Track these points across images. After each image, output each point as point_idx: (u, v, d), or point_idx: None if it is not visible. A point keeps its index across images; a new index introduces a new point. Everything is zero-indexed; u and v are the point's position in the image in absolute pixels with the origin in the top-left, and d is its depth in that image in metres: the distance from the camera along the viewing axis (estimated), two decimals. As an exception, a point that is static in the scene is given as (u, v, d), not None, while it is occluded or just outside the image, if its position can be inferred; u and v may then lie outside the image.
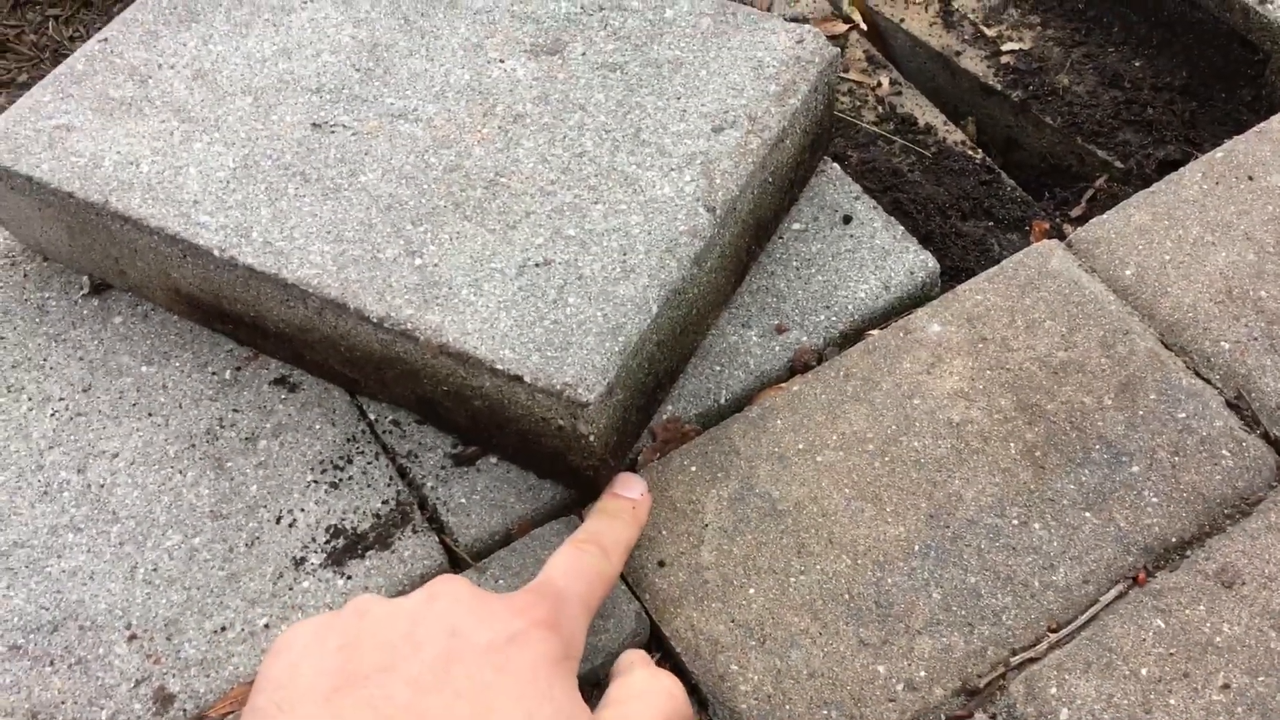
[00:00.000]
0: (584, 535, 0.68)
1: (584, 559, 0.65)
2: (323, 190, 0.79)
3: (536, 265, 0.74)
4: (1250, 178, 0.90)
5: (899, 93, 1.13)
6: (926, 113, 1.11)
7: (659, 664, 0.73)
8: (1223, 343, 0.81)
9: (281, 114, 0.84)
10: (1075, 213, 1.03)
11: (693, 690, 0.71)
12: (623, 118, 0.82)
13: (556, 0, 0.89)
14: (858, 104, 1.12)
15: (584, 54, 0.85)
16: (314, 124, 0.83)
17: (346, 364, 0.79)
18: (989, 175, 1.05)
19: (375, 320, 0.73)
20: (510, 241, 0.75)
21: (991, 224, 1.01)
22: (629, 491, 0.73)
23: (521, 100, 0.83)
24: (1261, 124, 0.94)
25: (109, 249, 0.84)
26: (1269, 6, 1.00)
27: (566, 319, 0.71)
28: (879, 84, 1.13)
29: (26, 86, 1.40)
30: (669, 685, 0.58)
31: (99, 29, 1.42)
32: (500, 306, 0.72)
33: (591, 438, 0.71)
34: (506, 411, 0.73)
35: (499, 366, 0.70)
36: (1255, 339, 0.81)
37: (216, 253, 0.76)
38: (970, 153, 1.06)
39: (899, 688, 0.69)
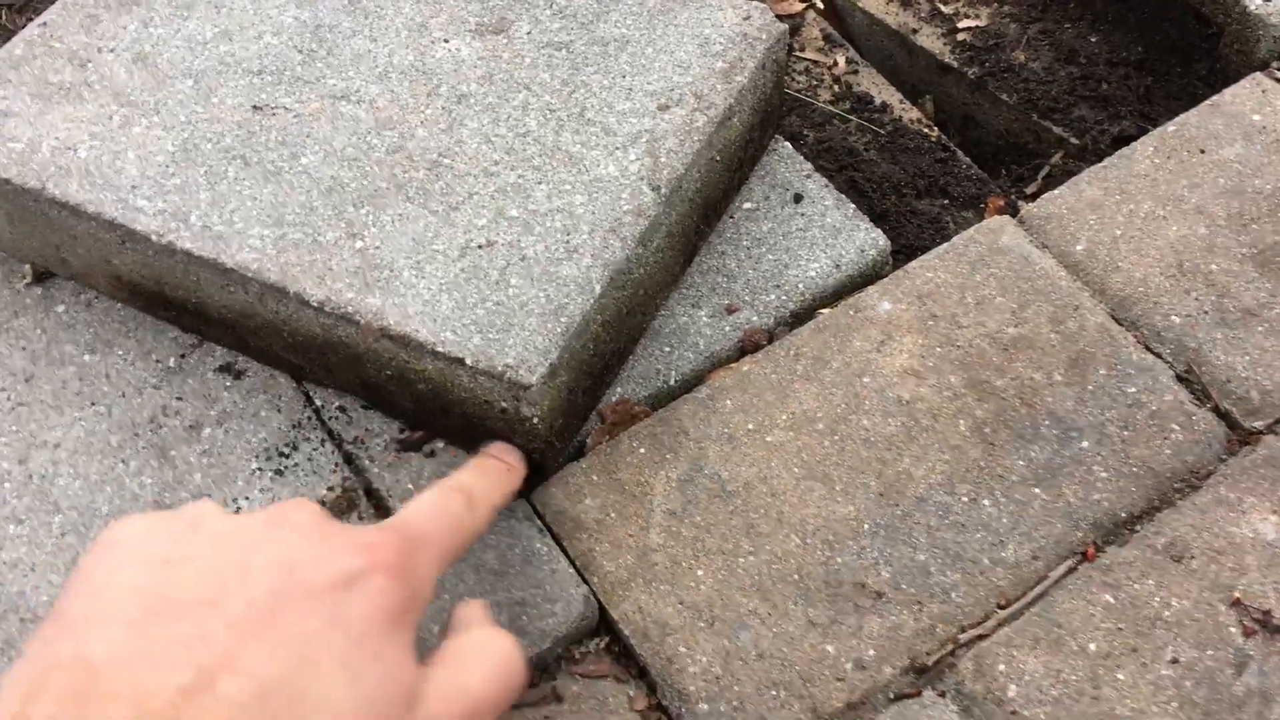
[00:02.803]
0: (454, 483, 0.63)
1: (450, 504, 0.60)
2: (263, 173, 0.78)
3: (479, 247, 0.73)
4: (1202, 151, 0.90)
5: (855, 71, 1.12)
6: (883, 91, 1.10)
7: (607, 648, 0.72)
8: (1173, 317, 0.81)
9: (222, 96, 0.82)
10: (1031, 189, 1.03)
11: (641, 673, 0.71)
12: (568, 97, 0.81)
13: (502, -21, 0.88)
14: (814, 83, 1.11)
15: (529, 33, 0.84)
16: (255, 106, 0.82)
17: (290, 349, 0.78)
18: (944, 153, 1.04)
19: (315, 304, 0.72)
20: (452, 223, 0.74)
21: (947, 202, 1.01)
22: (506, 456, 0.70)
23: (466, 80, 0.82)
24: (1214, 97, 0.94)
25: (49, 236, 0.83)
26: (1222, -20, 0.99)
27: (509, 300, 0.71)
28: (835, 63, 1.13)
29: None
30: (508, 646, 0.55)
31: (50, 16, 1.40)
32: (442, 289, 0.71)
33: (535, 420, 0.70)
34: (450, 395, 0.72)
35: (440, 349, 0.69)
36: (1206, 312, 0.81)
37: (154, 238, 0.75)
38: (926, 131, 1.06)
39: (848, 667, 0.69)
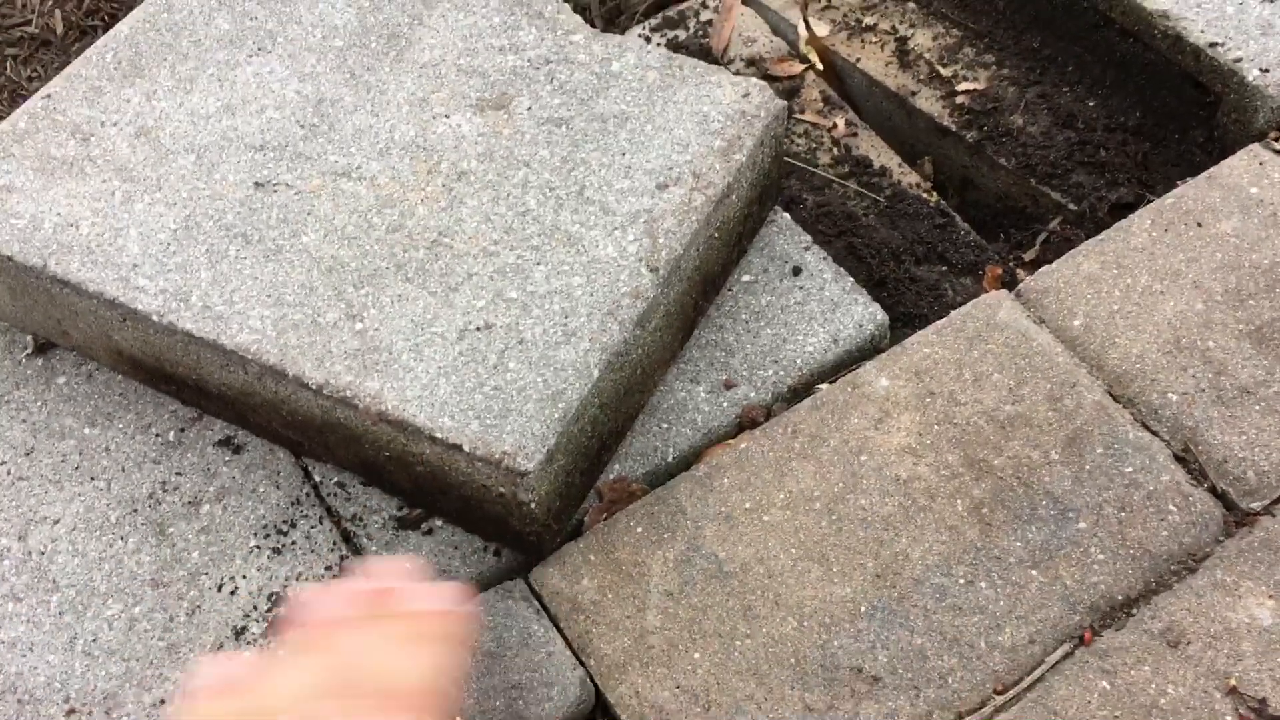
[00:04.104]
0: None
1: None
2: (264, 252, 0.78)
3: (477, 329, 0.74)
4: (1199, 224, 0.90)
5: (855, 134, 1.13)
6: (882, 154, 1.11)
7: (604, 732, 0.72)
8: (1170, 394, 0.81)
9: (224, 173, 0.83)
10: (1029, 256, 1.03)
11: (637, 758, 0.70)
12: (567, 175, 0.81)
13: (503, 54, 0.88)
14: (813, 145, 1.12)
15: (530, 109, 0.85)
16: (256, 183, 0.82)
17: (289, 427, 0.79)
18: (943, 219, 1.04)
19: (314, 387, 0.72)
20: (452, 304, 0.75)
21: (945, 269, 1.01)
22: None
23: (466, 157, 0.83)
24: (1211, 169, 0.94)
25: (50, 310, 0.83)
26: (1219, 49, 1.00)
27: (506, 385, 0.71)
28: (835, 125, 1.13)
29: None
30: None
31: (58, 69, 1.41)
32: (440, 372, 0.72)
33: (533, 504, 0.70)
34: (448, 478, 0.72)
35: (438, 435, 0.69)
36: (1203, 390, 0.81)
37: (155, 317, 0.76)
38: (925, 196, 1.06)
39: (844, 754, 0.69)
